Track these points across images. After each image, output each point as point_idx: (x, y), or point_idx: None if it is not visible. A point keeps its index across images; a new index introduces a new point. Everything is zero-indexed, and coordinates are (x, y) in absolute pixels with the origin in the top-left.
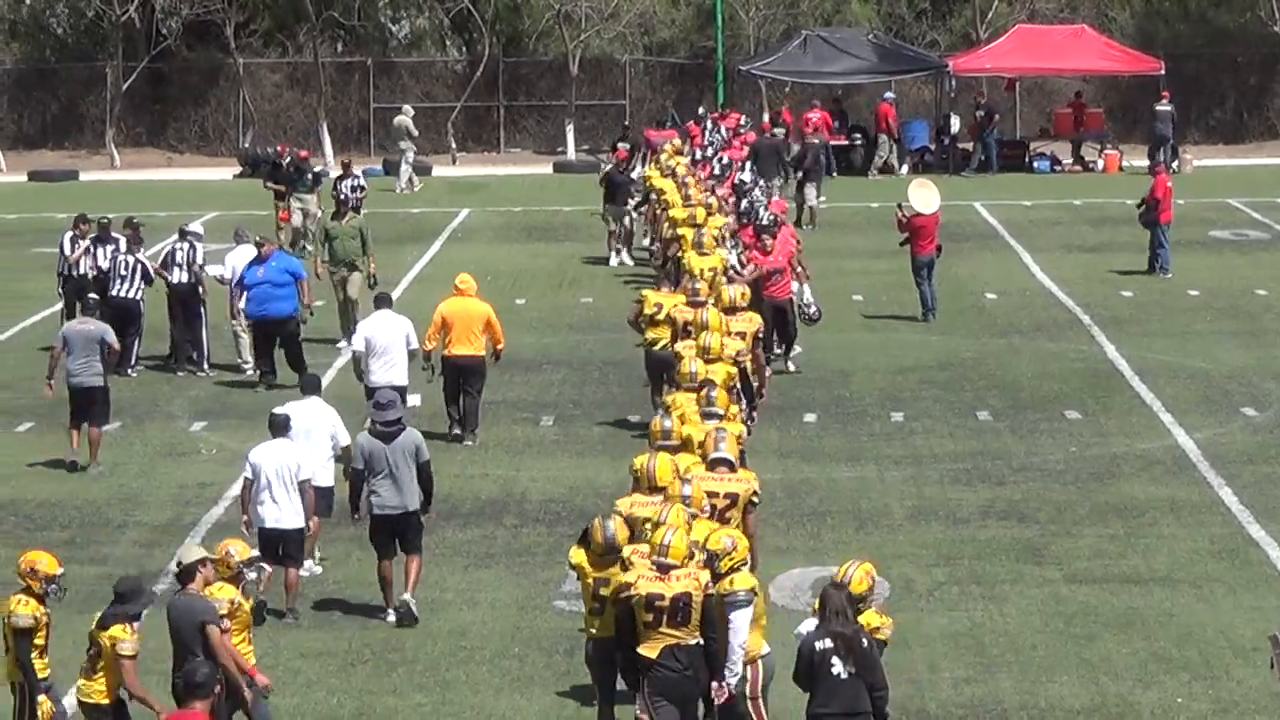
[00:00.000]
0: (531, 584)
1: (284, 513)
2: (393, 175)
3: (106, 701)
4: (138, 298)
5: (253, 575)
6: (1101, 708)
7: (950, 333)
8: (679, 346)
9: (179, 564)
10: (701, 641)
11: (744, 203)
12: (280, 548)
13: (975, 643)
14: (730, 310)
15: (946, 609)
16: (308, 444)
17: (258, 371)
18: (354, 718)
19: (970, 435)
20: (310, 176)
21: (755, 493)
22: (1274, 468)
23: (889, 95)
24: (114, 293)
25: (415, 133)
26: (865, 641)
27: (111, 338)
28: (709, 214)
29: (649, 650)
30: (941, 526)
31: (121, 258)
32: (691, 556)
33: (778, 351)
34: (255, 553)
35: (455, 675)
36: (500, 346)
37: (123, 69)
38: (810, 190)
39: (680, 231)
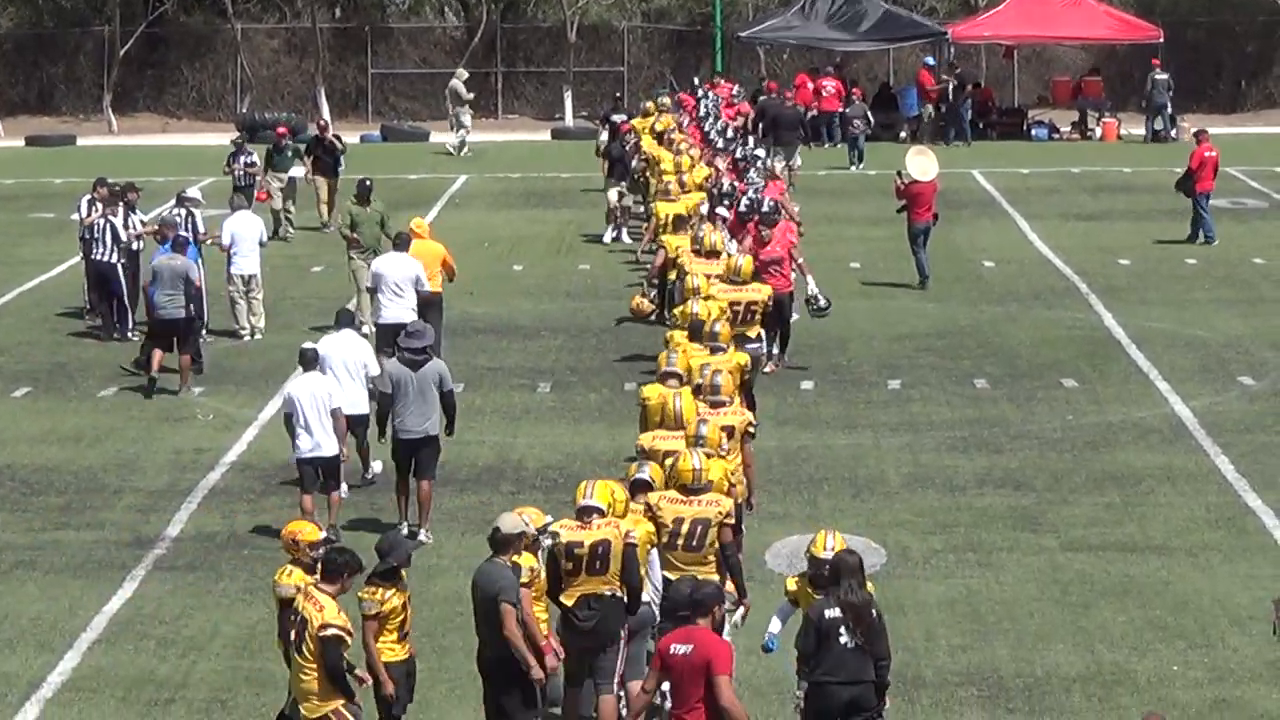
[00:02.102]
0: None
1: (321, 442)
2: (391, 141)
3: (401, 657)
4: (112, 260)
5: (549, 541)
6: (1097, 675)
7: (947, 300)
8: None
9: (497, 531)
10: (617, 593)
11: (727, 184)
12: (320, 474)
13: (971, 610)
14: (712, 254)
15: (943, 576)
16: (344, 374)
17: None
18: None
19: (967, 403)
20: (290, 152)
21: (751, 423)
22: (1270, 436)
23: (929, 60)
24: (93, 256)
25: (468, 96)
26: (874, 611)
27: (195, 274)
28: (693, 164)
29: (567, 599)
30: (938, 494)
31: (97, 220)
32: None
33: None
34: (549, 519)
35: (452, 641)
36: (453, 278)
37: (120, 34)
38: (786, 154)
39: (666, 179)
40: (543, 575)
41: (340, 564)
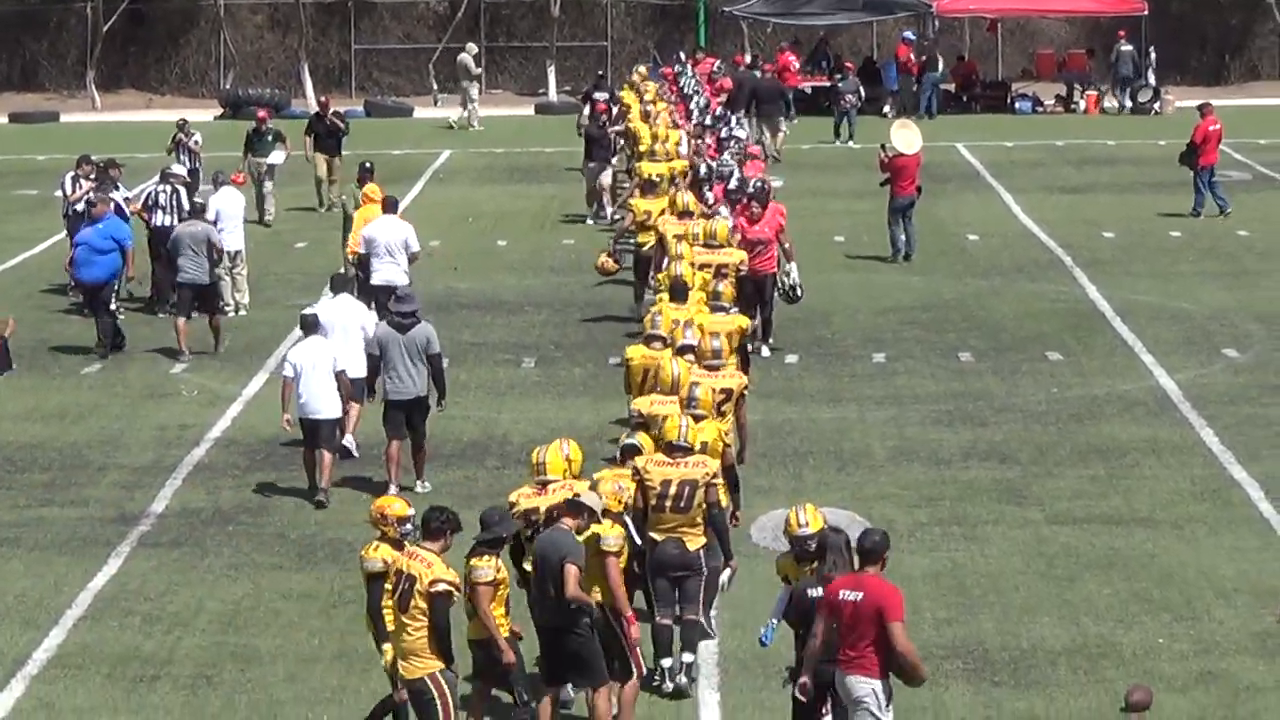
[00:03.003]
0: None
1: (322, 403)
2: (375, 117)
3: (508, 632)
4: None
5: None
6: (1083, 648)
7: (932, 273)
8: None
9: (575, 497)
10: None
11: (705, 166)
12: (318, 435)
13: (957, 583)
14: (685, 215)
15: (928, 549)
16: (343, 337)
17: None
18: (335, 659)
19: (952, 376)
20: (270, 138)
21: (746, 386)
22: (1255, 409)
23: (908, 35)
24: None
25: (477, 71)
26: None
27: (216, 237)
28: (666, 130)
29: (530, 565)
30: (923, 467)
31: (87, 197)
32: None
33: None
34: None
35: None
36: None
37: (103, 10)
38: (769, 126)
39: (641, 148)
40: (625, 548)
41: (442, 522)
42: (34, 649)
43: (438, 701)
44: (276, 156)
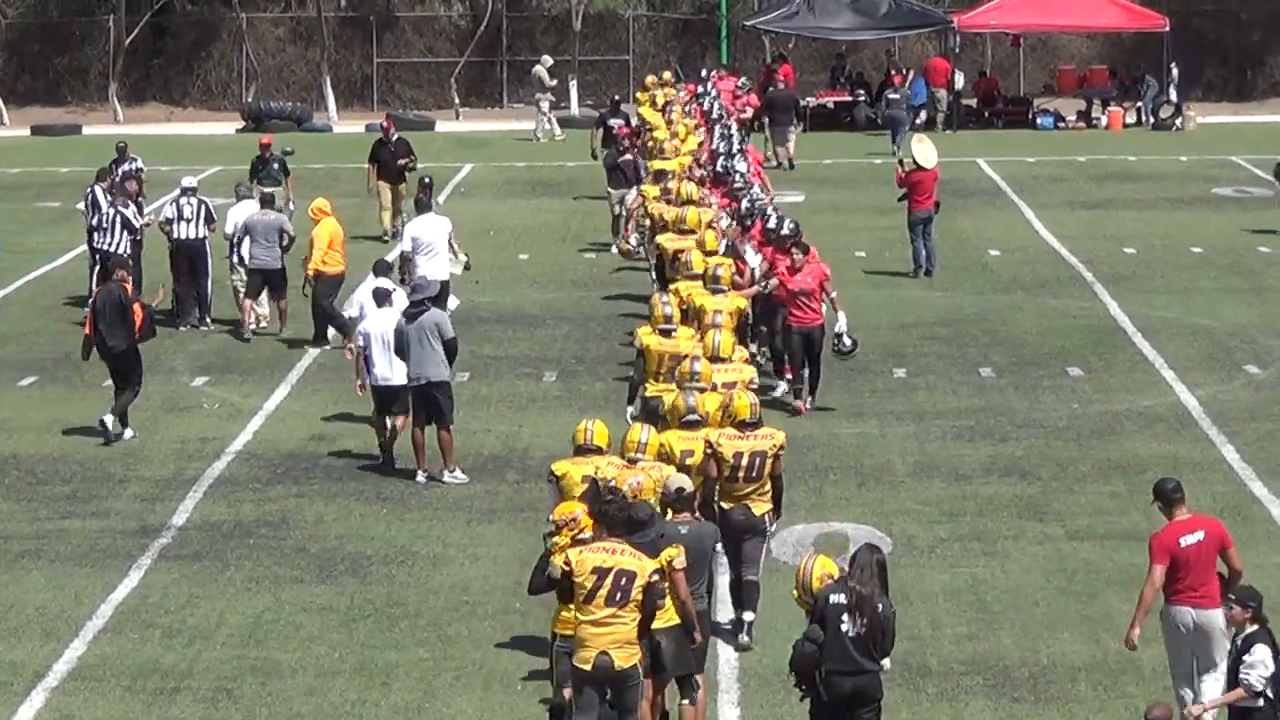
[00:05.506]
0: (534, 539)
1: (392, 370)
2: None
3: (674, 623)
4: (119, 251)
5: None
6: (1103, 664)
7: (953, 289)
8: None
9: (681, 490)
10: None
11: (744, 203)
12: (392, 400)
13: (977, 599)
14: (688, 203)
15: (948, 565)
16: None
17: None
18: (355, 672)
19: (973, 392)
20: (276, 165)
21: (752, 380)
22: (1276, 425)
23: (891, 52)
24: (97, 245)
25: (551, 82)
26: (881, 607)
27: (288, 226)
28: (687, 133)
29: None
30: (943, 483)
31: (105, 210)
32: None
33: (799, 386)
34: None
35: (457, 630)
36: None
37: (125, 23)
38: (780, 136)
39: (652, 144)
40: None
41: (622, 513)
42: (54, 661)
43: (640, 686)
44: (286, 221)
